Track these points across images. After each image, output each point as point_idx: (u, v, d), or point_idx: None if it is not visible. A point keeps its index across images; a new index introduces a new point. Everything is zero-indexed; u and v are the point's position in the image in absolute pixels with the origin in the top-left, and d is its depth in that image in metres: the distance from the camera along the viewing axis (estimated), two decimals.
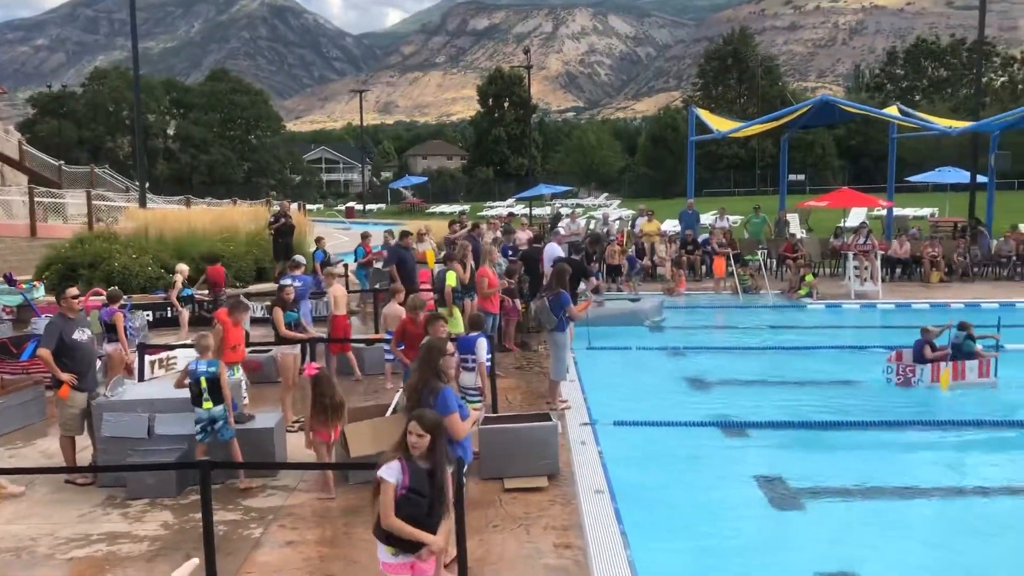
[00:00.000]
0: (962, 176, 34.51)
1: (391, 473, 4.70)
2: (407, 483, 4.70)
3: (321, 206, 77.14)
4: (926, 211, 39.68)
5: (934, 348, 11.78)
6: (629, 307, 16.61)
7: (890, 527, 7.37)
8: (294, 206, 30.73)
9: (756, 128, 28.49)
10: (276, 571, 6.43)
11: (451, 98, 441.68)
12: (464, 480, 5.90)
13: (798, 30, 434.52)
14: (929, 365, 11.58)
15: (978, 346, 11.82)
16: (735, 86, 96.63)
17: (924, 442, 9.67)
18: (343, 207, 71.27)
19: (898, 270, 21.65)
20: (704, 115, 26.76)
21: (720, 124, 26.71)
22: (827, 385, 12.12)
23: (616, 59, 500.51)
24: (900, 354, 11.93)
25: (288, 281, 11.64)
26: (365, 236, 19.78)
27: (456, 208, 59.13)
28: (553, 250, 14.94)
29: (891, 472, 8.61)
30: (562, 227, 20.84)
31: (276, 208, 24.93)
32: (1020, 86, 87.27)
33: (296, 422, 9.95)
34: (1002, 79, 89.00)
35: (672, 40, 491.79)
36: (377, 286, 17.55)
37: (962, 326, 11.92)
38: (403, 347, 9.67)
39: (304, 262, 14.36)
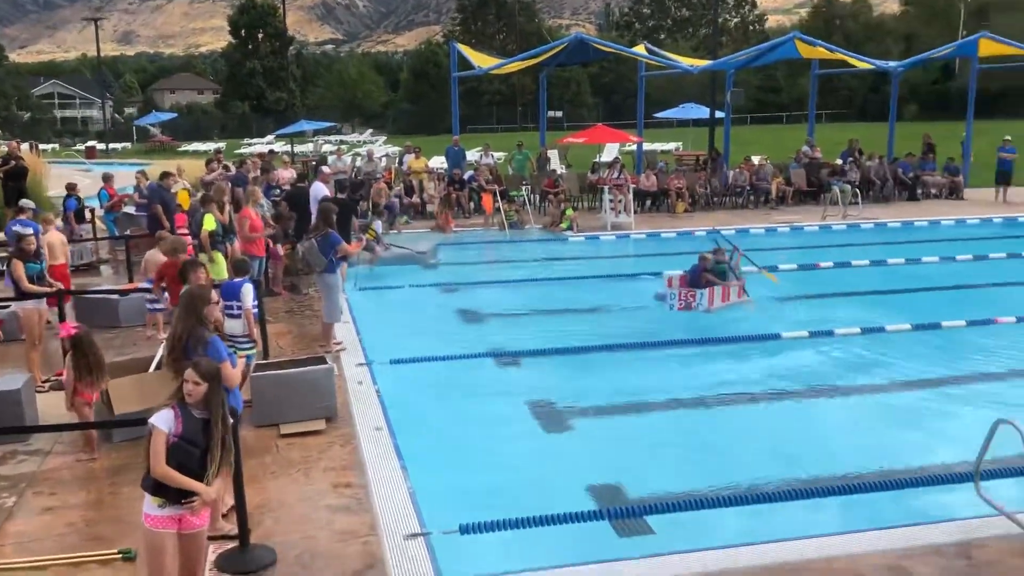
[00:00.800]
0: (702, 112, 37.18)
1: (163, 421, 4.57)
2: (180, 431, 4.57)
3: (57, 146, 70.31)
4: (672, 145, 42.41)
5: (710, 273, 12.72)
6: (406, 251, 16.61)
7: (650, 439, 8.02)
8: (25, 146, 27.92)
9: (516, 65, 29.00)
10: (35, 540, 6.01)
11: (199, 28, 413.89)
12: (237, 428, 5.76)
13: None
14: (707, 290, 12.50)
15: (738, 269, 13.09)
16: (494, 22, 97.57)
17: (680, 359, 10.51)
18: (82, 147, 65.26)
19: (648, 202, 23.08)
20: (466, 51, 26.85)
21: (481, 60, 26.93)
22: (591, 312, 12.83)
23: None
24: (671, 280, 12.83)
25: (28, 230, 10.67)
26: (107, 178, 18.32)
27: (210, 146, 56.11)
28: (319, 189, 14.59)
29: (651, 389, 9.32)
30: (327, 166, 20.34)
31: (3, 149, 22.51)
32: (750, 27, 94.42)
33: (46, 381, 9.24)
34: (735, 20, 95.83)
35: None
36: (128, 231, 16.47)
37: (716, 252, 13.00)
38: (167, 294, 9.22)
39: (32, 206, 13.16)
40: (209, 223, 11.61)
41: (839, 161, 24.73)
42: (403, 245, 17.01)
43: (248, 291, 8.49)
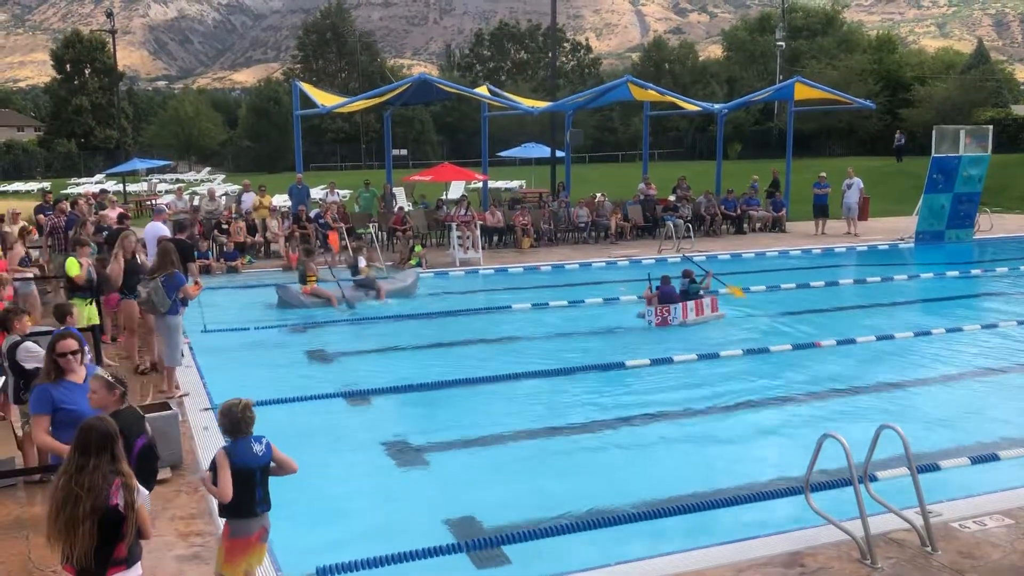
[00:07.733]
0: (544, 151, 38.30)
1: None
2: None
3: None
4: (516, 183, 43.36)
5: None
6: (391, 285, 16.61)
7: (501, 469, 8.16)
8: None
9: (360, 104, 29.01)
10: None
11: (17, 62, 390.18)
12: None
13: (392, 6, 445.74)
14: (680, 305, 13.62)
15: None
16: (336, 60, 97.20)
17: (530, 390, 10.67)
18: None
19: (495, 237, 23.51)
20: (308, 89, 26.63)
21: (324, 99, 26.76)
22: (442, 347, 12.93)
23: (209, 27, 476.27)
24: (651, 297, 13.87)
25: None
26: None
27: (33, 186, 53.18)
28: (156, 229, 14.06)
29: (502, 421, 9.46)
30: (166, 204, 19.63)
31: None
32: (586, 70, 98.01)
33: None
34: (572, 63, 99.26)
35: (267, 10, 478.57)
36: None
37: (685, 273, 14.07)
38: None
39: None
40: (73, 267, 11.10)
41: (672, 197, 26.03)
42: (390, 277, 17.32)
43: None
